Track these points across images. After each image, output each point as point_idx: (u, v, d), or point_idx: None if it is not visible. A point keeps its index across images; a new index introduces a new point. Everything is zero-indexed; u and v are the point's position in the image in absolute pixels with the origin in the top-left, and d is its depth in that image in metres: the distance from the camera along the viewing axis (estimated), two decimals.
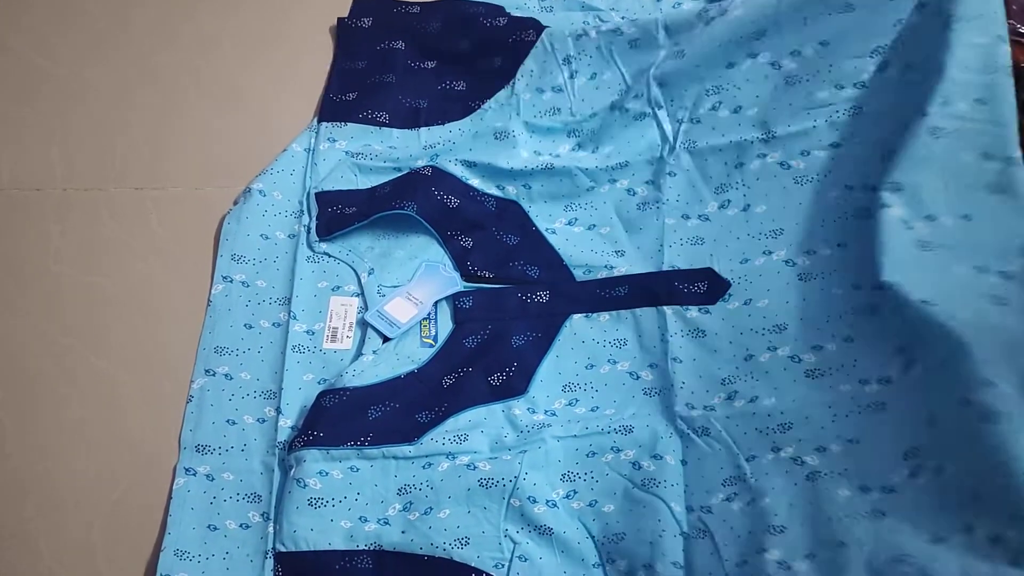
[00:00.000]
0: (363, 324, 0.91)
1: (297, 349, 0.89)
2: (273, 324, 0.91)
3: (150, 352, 0.92)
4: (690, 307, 0.88)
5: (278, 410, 0.87)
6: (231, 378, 0.89)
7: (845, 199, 0.84)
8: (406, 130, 1.01)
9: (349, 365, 0.88)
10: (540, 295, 0.90)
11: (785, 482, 0.78)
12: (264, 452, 0.85)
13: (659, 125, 0.95)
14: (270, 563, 0.80)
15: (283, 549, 0.80)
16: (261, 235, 0.95)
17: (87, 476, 0.86)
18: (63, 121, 1.04)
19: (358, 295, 0.93)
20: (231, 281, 0.93)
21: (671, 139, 0.94)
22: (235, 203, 0.97)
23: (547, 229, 0.95)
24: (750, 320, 0.85)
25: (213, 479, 0.84)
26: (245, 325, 0.91)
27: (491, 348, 0.88)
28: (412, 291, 0.92)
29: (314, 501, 0.81)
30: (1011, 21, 0.87)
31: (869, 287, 0.79)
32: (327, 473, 0.82)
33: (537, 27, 1.01)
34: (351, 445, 0.82)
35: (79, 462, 0.87)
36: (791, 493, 0.78)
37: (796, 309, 0.84)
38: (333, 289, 0.93)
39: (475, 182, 0.96)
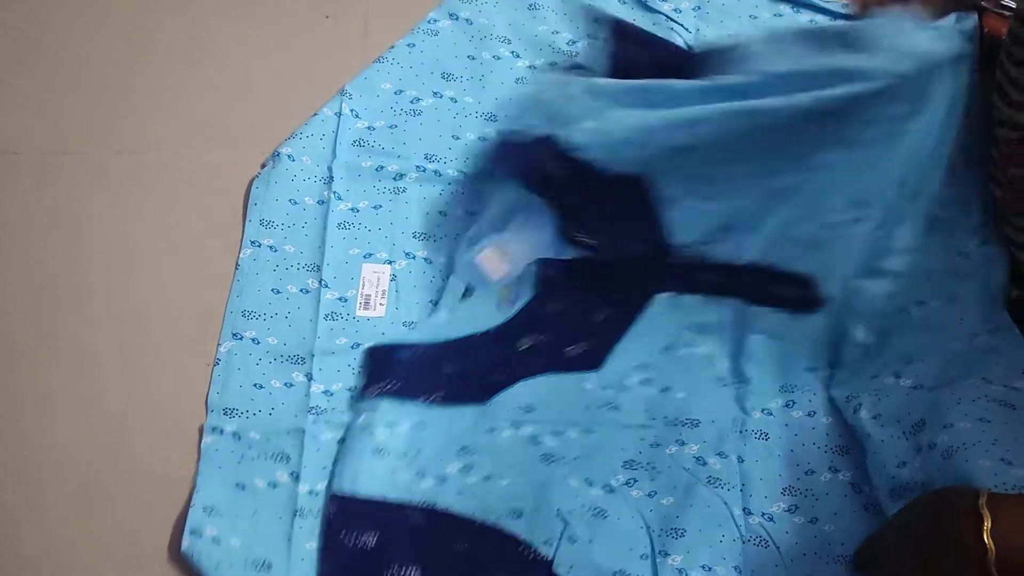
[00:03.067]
0: (395, 290, 0.90)
1: (330, 317, 0.89)
2: (301, 290, 0.90)
3: (123, 317, 0.90)
4: (779, 310, 0.86)
5: (309, 376, 0.86)
6: (258, 343, 0.88)
7: None
8: None
9: (428, 318, 0.87)
10: (629, 270, 0.89)
11: (844, 507, 0.80)
12: (293, 416, 0.84)
13: None
14: (299, 521, 0.80)
15: (339, 492, 0.79)
16: (290, 200, 0.94)
17: (59, 443, 0.85)
18: (42, 85, 1.01)
19: (390, 263, 0.92)
20: (259, 246, 0.92)
21: None
22: (262, 167, 0.96)
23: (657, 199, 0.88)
24: (828, 334, 0.86)
25: (240, 438, 0.83)
26: (273, 290, 0.90)
27: (571, 317, 0.87)
28: (508, 246, 0.89)
29: (378, 451, 0.80)
30: None
31: None
32: (395, 425, 0.81)
33: None
34: (424, 400, 0.82)
35: (56, 428, 0.85)
36: (851, 520, 0.79)
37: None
38: (365, 256, 0.92)
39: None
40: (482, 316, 0.87)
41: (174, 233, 0.94)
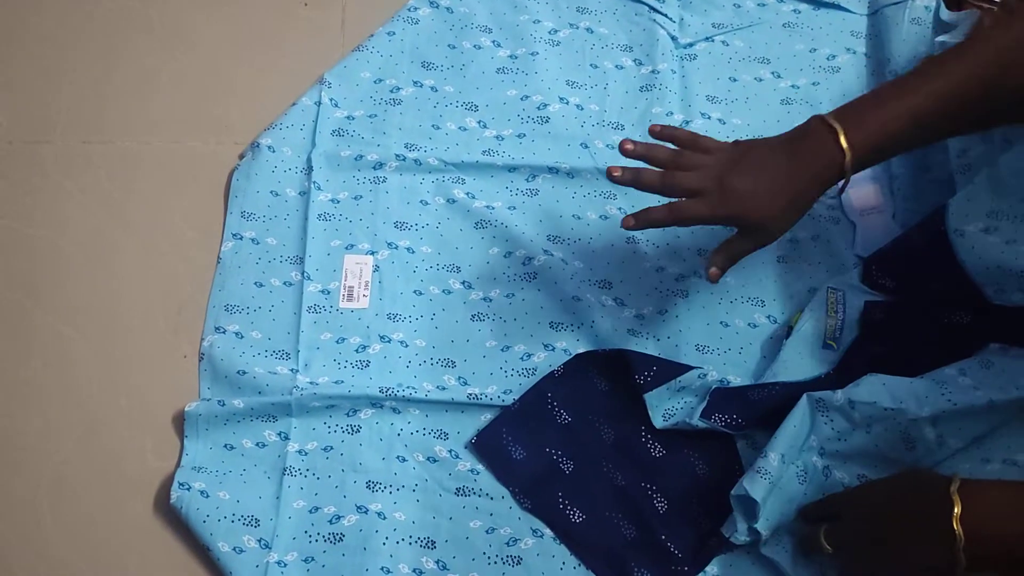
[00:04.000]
0: (379, 281, 0.90)
1: (313, 309, 0.88)
2: (284, 283, 0.90)
3: (99, 309, 0.90)
4: None
5: (294, 370, 0.86)
6: (242, 336, 0.88)
7: None
8: None
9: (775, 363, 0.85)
10: (960, 315, 0.82)
11: None
12: (279, 395, 0.84)
13: None
14: (288, 480, 0.82)
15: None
16: (271, 192, 0.93)
17: (34, 434, 0.85)
18: (13, 73, 0.99)
19: (372, 253, 0.91)
20: (241, 238, 0.91)
21: None
22: (241, 158, 0.95)
23: (956, 230, 0.80)
24: None
25: (224, 404, 0.84)
26: (256, 283, 0.90)
27: (895, 363, 0.80)
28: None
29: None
30: None
31: None
32: None
33: None
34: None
35: (25, 420, 0.85)
36: None
37: None
38: (347, 248, 0.91)
39: None
40: (808, 357, 0.85)
41: (149, 223, 0.93)
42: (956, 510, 0.63)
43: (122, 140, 0.97)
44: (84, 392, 0.86)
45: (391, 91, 0.99)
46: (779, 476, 0.76)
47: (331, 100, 0.98)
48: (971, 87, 0.70)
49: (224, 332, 0.88)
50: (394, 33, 1.02)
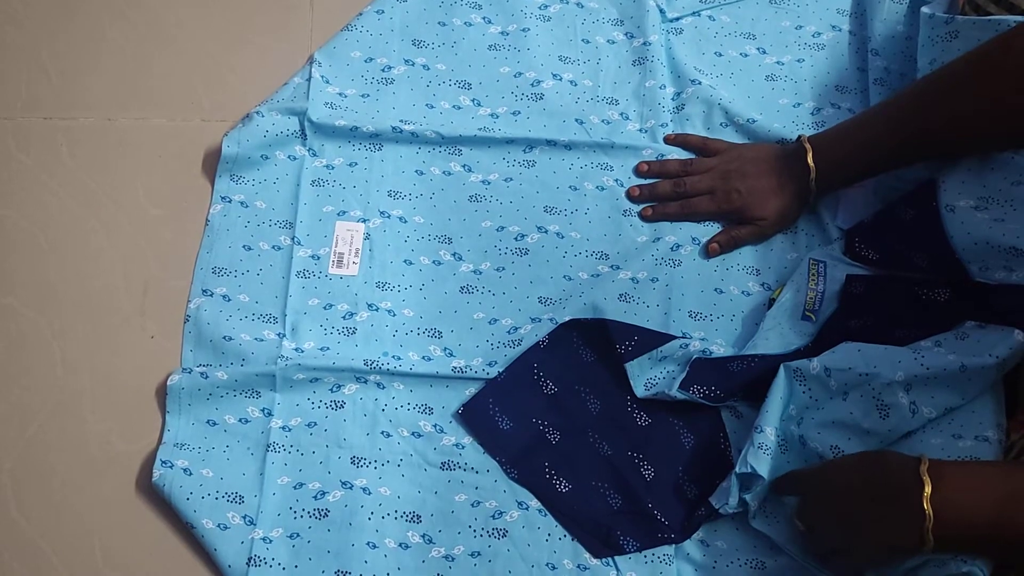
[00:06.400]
0: (369, 249, 0.89)
1: (302, 275, 0.87)
2: (273, 247, 0.89)
3: (62, 288, 0.88)
4: None
5: (281, 335, 0.85)
6: (229, 299, 0.86)
7: None
8: None
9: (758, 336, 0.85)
10: (939, 292, 0.81)
11: None
12: (262, 364, 0.83)
13: None
14: (271, 456, 0.81)
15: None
16: (262, 156, 0.92)
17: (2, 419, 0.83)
18: None
19: (363, 221, 0.90)
20: (229, 201, 0.90)
21: None
22: (226, 134, 0.93)
23: (947, 206, 0.81)
24: None
25: (207, 377, 0.82)
26: (244, 246, 0.89)
27: (872, 338, 0.80)
28: None
29: None
30: None
31: None
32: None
33: None
34: None
35: None
36: None
37: None
38: (339, 214, 0.90)
39: None
40: (786, 330, 0.85)
41: (112, 201, 0.91)
42: (927, 490, 0.64)
43: (85, 117, 0.95)
44: (47, 374, 0.84)
45: (382, 70, 0.99)
46: (775, 449, 0.76)
47: (322, 77, 0.97)
48: (910, 130, 0.81)
49: (211, 295, 0.86)
50: (383, 11, 1.02)
